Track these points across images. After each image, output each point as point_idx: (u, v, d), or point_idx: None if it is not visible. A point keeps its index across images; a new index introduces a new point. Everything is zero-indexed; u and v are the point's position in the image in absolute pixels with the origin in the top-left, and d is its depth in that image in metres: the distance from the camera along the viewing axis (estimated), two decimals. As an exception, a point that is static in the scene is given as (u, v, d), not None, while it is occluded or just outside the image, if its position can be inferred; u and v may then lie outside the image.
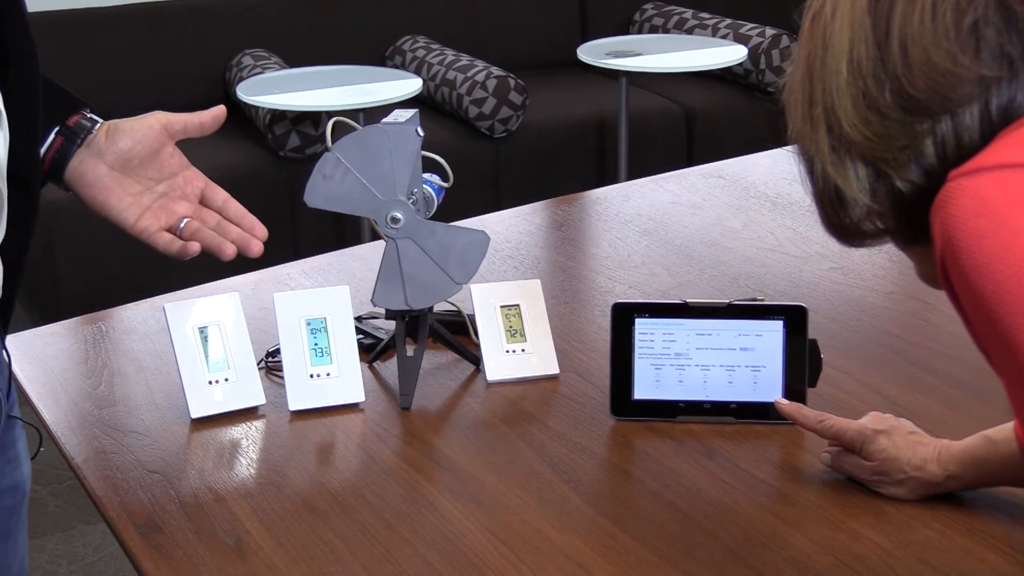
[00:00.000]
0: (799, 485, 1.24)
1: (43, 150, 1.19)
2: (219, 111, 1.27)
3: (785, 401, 1.29)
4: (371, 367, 1.48)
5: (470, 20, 4.64)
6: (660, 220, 1.94)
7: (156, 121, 1.24)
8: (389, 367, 1.46)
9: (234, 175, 3.79)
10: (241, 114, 4.06)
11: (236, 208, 1.28)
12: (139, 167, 1.23)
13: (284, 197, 3.79)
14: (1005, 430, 1.13)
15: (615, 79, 4.12)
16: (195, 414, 1.35)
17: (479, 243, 1.39)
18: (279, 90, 3.70)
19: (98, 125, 1.23)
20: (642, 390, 1.35)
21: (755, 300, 1.47)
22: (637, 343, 1.35)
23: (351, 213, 1.37)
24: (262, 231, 1.27)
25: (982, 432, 1.15)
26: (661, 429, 1.34)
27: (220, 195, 1.29)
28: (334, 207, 1.35)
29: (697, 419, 1.35)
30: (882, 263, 1.77)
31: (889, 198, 0.83)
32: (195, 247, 1.23)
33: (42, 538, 2.72)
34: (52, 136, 1.20)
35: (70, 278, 3.54)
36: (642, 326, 1.36)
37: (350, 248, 1.86)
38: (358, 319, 1.50)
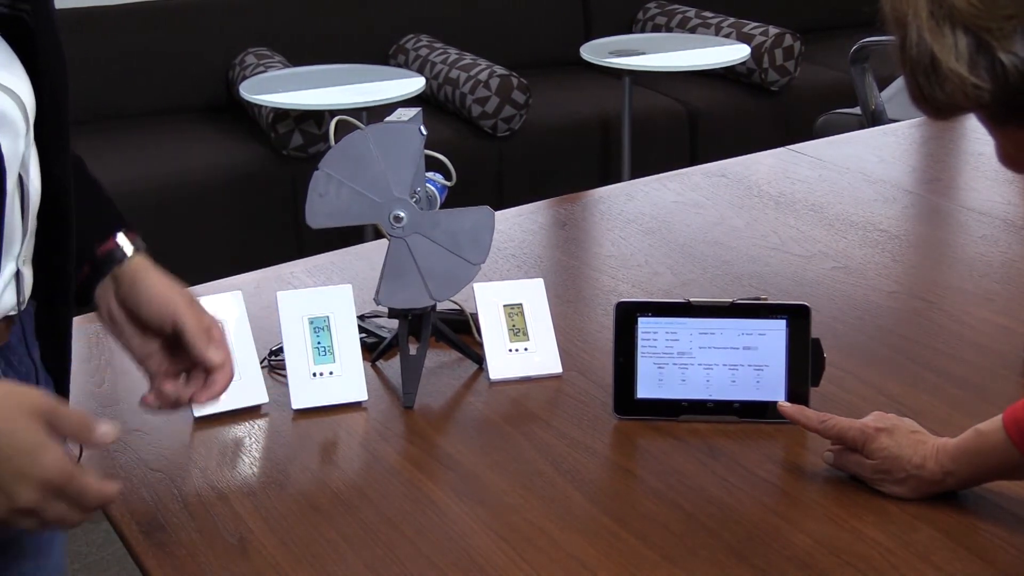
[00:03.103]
0: (802, 484, 1.24)
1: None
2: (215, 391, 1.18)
3: (787, 404, 1.29)
4: (374, 366, 1.48)
5: (473, 19, 4.64)
6: (663, 219, 1.94)
7: (172, 317, 1.16)
8: (392, 366, 1.46)
9: (237, 174, 3.80)
10: (244, 113, 4.06)
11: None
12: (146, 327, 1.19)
13: (287, 196, 3.79)
14: (994, 422, 1.13)
15: (618, 78, 4.12)
16: (198, 412, 1.35)
17: (485, 219, 1.39)
18: (282, 89, 3.70)
19: (127, 260, 1.18)
20: (645, 389, 1.35)
21: (758, 299, 1.47)
22: (640, 342, 1.35)
23: (355, 223, 1.37)
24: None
25: (973, 426, 1.15)
26: (664, 428, 1.34)
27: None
28: (337, 222, 1.36)
29: (700, 418, 1.35)
30: (885, 263, 1.77)
31: (989, 72, 0.77)
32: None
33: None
34: (82, 267, 1.18)
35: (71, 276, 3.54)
36: (645, 325, 1.35)
37: (353, 247, 1.86)
38: (361, 318, 1.50)
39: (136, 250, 1.19)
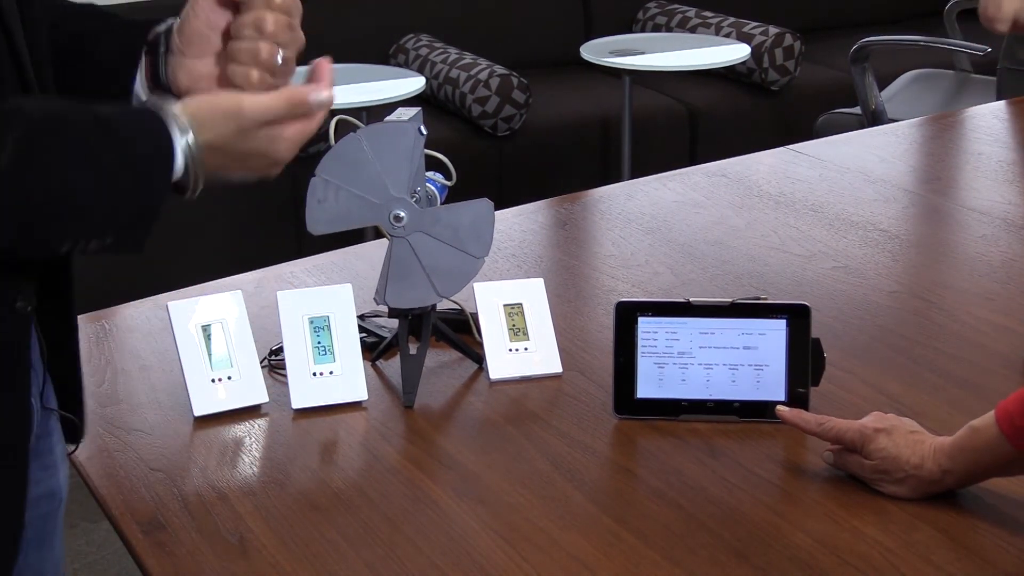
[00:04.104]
0: (802, 484, 1.24)
1: (139, 76, 1.15)
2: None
3: (785, 408, 1.29)
4: (374, 365, 1.48)
5: (473, 19, 4.64)
6: (663, 219, 1.94)
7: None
8: (392, 365, 1.46)
9: (237, 173, 3.79)
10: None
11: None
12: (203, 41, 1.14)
13: (287, 196, 3.79)
14: (987, 417, 1.14)
15: (618, 78, 4.12)
16: (198, 412, 1.35)
17: (485, 212, 1.39)
18: (282, 88, 3.70)
19: (172, 28, 1.15)
20: (645, 389, 1.35)
21: (758, 299, 1.47)
22: (640, 342, 1.35)
23: (357, 227, 1.38)
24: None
25: (968, 423, 1.16)
26: (664, 428, 1.34)
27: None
28: (338, 227, 1.36)
29: (700, 418, 1.35)
30: (885, 262, 1.77)
31: None
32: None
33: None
34: (143, 59, 1.15)
35: (73, 277, 3.54)
36: (645, 325, 1.35)
37: (353, 246, 1.86)
38: (361, 317, 1.50)
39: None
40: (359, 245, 1.88)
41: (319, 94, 1.08)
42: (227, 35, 1.12)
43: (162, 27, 1.16)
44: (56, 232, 0.98)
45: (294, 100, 1.06)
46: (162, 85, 1.15)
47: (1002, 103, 2.62)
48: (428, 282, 1.38)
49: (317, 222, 1.35)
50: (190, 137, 1.02)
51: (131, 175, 1.00)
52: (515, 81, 4.04)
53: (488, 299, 1.46)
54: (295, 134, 1.07)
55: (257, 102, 1.05)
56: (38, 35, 1.08)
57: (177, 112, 1.03)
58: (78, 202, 0.97)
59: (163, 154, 1.01)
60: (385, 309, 1.46)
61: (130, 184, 1.00)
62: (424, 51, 4.34)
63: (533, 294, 1.48)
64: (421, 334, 1.43)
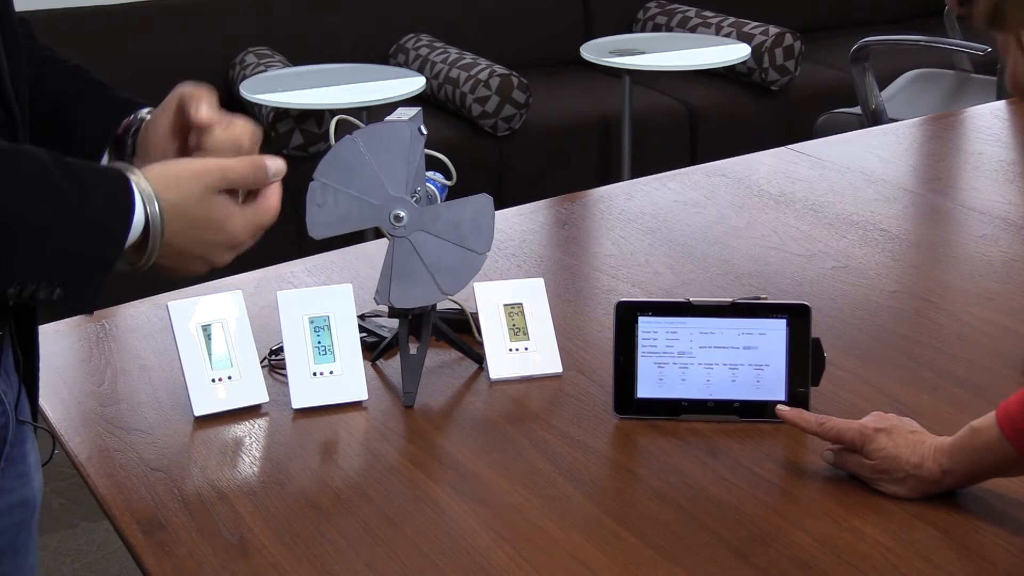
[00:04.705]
0: (802, 483, 1.24)
1: (107, 152, 1.18)
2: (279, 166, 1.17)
3: (785, 408, 1.29)
4: (374, 365, 1.48)
5: (473, 18, 4.64)
6: (663, 218, 1.94)
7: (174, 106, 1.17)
8: (392, 365, 1.46)
9: (237, 173, 3.80)
10: (244, 112, 4.06)
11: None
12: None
13: (287, 195, 3.75)
14: (988, 418, 1.13)
15: (618, 77, 4.12)
16: (198, 412, 1.35)
17: (484, 206, 1.39)
18: (282, 88, 3.70)
19: (141, 129, 1.18)
20: (645, 388, 1.35)
21: (758, 299, 1.47)
22: (640, 341, 1.35)
23: (357, 229, 1.37)
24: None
25: (969, 424, 1.16)
26: (664, 427, 1.34)
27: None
28: (339, 230, 1.36)
29: (700, 417, 1.35)
30: (886, 262, 1.77)
31: None
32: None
33: (45, 535, 2.73)
34: (106, 156, 1.18)
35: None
36: (645, 325, 1.35)
37: (353, 246, 1.86)
38: (361, 317, 1.50)
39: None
40: (359, 245, 1.88)
41: (276, 161, 1.12)
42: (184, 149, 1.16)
43: (139, 115, 1.18)
44: (4, 265, 0.95)
45: (256, 163, 1.09)
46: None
47: (1002, 103, 2.62)
48: (432, 281, 1.38)
49: (317, 226, 1.36)
50: (153, 193, 1.01)
51: (90, 218, 0.97)
52: (515, 81, 4.04)
53: (488, 299, 1.46)
54: (253, 216, 1.09)
55: (221, 162, 1.07)
56: (20, 85, 1.08)
57: (142, 173, 1.02)
58: (33, 233, 0.94)
59: (124, 205, 0.99)
60: (385, 309, 1.46)
61: (87, 228, 0.97)
62: (424, 51, 4.34)
63: (533, 294, 1.48)
64: (421, 334, 1.43)
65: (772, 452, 1.29)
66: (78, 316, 1.61)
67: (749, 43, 4.31)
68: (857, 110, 3.61)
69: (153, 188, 1.01)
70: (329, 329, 1.40)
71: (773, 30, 4.44)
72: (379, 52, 4.44)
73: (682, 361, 1.35)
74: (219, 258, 1.08)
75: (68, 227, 0.96)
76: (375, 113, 3.24)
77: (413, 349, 1.42)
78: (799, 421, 1.26)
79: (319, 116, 3.79)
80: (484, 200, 1.38)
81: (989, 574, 1.09)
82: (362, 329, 1.48)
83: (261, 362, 1.42)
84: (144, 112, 1.20)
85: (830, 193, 2.03)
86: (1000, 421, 1.11)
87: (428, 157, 1.40)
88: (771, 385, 1.34)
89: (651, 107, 4.31)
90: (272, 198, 1.11)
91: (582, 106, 4.34)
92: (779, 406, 1.29)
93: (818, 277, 1.71)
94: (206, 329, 1.37)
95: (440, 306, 1.47)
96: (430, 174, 1.42)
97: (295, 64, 4.06)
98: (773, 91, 4.51)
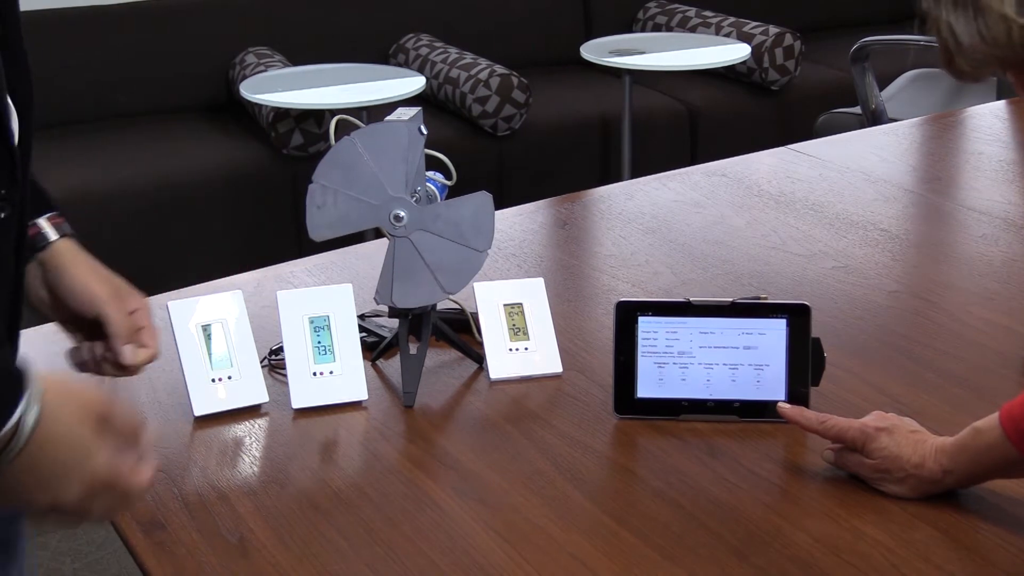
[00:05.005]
0: (802, 483, 1.24)
1: None
2: (149, 355, 1.18)
3: (786, 405, 1.29)
4: (374, 365, 1.48)
5: (473, 18, 4.64)
6: (663, 218, 1.94)
7: (95, 311, 1.16)
8: (392, 365, 1.46)
9: (237, 173, 3.80)
10: (244, 112, 4.06)
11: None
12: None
13: (287, 195, 3.79)
14: (991, 419, 1.13)
15: (618, 77, 4.12)
16: (198, 412, 1.35)
17: (484, 204, 1.39)
18: (282, 88, 3.70)
19: (50, 245, 1.16)
20: (645, 388, 1.35)
21: (758, 298, 1.47)
22: (640, 341, 1.35)
23: (358, 229, 1.38)
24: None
25: (971, 424, 1.16)
26: (664, 427, 1.34)
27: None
28: (340, 231, 1.36)
29: (700, 417, 1.35)
30: (885, 262, 1.77)
31: None
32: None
33: (46, 535, 2.73)
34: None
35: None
36: (645, 324, 1.35)
37: (353, 246, 1.86)
38: (361, 317, 1.50)
39: (62, 235, 1.17)
40: (359, 245, 1.88)
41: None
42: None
43: (42, 229, 1.16)
44: None
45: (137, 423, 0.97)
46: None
47: (1002, 103, 2.62)
48: (433, 280, 1.38)
49: (318, 227, 1.36)
50: (38, 395, 0.89)
51: None
52: (515, 81, 4.04)
53: (488, 299, 1.46)
54: (121, 462, 0.92)
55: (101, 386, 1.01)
56: (26, 121, 1.04)
57: (37, 381, 0.90)
58: None
59: (10, 394, 0.88)
60: (385, 308, 1.46)
61: None
62: (424, 51, 4.34)
63: (533, 294, 1.48)
64: (421, 334, 1.43)
65: (772, 452, 1.29)
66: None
67: (749, 43, 4.31)
68: (857, 110, 3.61)
69: (43, 392, 0.89)
70: (329, 329, 1.40)
71: (773, 30, 4.44)
72: (379, 52, 4.44)
73: (682, 361, 1.35)
74: (66, 490, 0.90)
75: None
76: (375, 113, 3.24)
77: (413, 349, 1.42)
78: (800, 419, 1.26)
79: (319, 116, 3.79)
80: (484, 198, 1.38)
81: (989, 574, 1.09)
82: (362, 329, 1.48)
83: (261, 362, 1.42)
84: (49, 229, 1.17)
85: (830, 193, 2.03)
86: (1003, 422, 1.11)
87: (428, 157, 1.40)
88: (771, 385, 1.34)
89: (651, 107, 4.31)
90: (146, 471, 0.95)
91: (582, 106, 4.34)
92: (780, 404, 1.29)
93: (818, 277, 1.71)
94: (206, 329, 1.38)
95: (440, 306, 1.47)
96: (430, 174, 1.42)
97: (295, 64, 4.06)
98: (773, 91, 4.51)
